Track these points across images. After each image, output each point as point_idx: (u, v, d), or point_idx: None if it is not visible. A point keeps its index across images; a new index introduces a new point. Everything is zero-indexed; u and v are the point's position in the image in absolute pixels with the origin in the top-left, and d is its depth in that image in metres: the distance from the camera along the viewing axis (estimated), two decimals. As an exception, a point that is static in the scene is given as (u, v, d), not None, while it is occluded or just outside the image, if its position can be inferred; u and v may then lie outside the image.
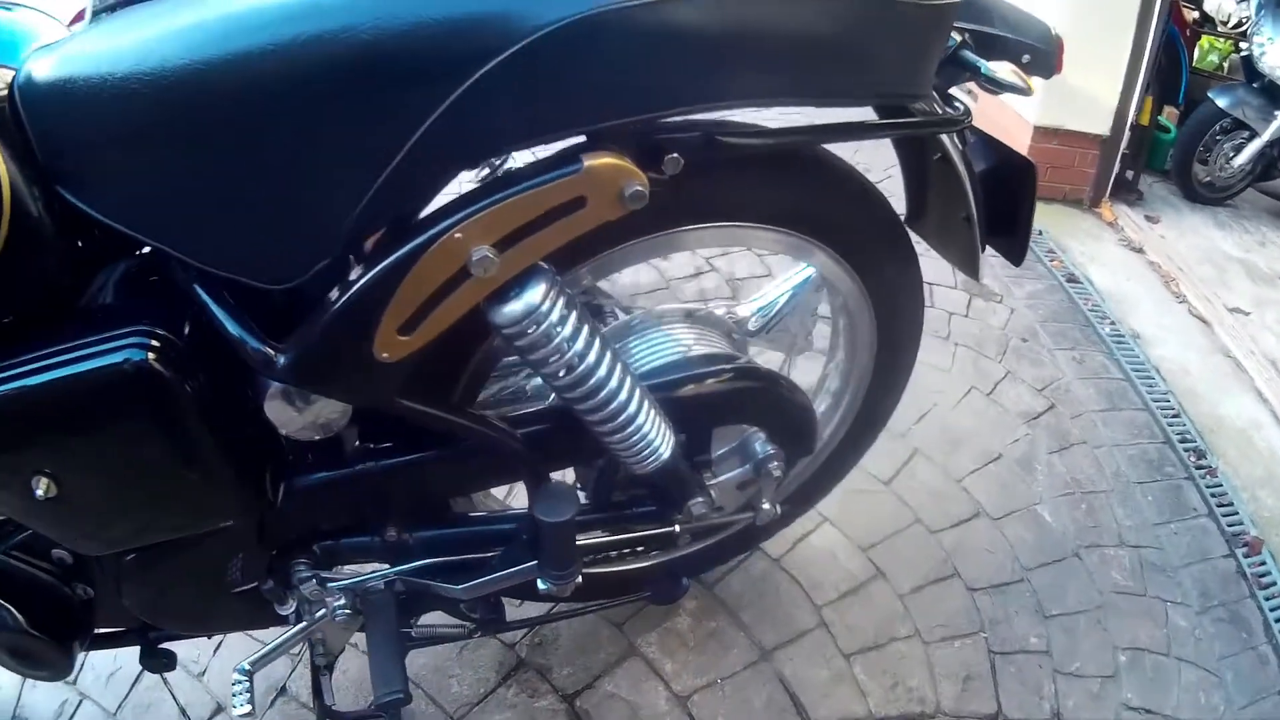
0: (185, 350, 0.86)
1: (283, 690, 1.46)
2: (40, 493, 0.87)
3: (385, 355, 0.88)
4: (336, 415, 0.99)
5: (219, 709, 1.46)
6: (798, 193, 1.12)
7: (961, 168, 1.16)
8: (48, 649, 1.06)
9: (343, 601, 1.16)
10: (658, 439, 1.07)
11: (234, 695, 1.14)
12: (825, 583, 1.62)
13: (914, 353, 1.40)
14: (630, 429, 1.04)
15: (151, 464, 0.91)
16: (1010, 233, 1.22)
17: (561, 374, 0.98)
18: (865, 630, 1.58)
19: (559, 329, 0.94)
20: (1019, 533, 1.79)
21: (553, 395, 1.14)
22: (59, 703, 1.53)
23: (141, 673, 1.50)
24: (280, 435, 0.98)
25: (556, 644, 1.49)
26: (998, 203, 1.19)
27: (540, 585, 1.15)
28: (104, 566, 1.05)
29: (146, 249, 0.91)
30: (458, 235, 0.84)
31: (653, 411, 1.06)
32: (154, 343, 0.84)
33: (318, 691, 1.27)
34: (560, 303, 0.94)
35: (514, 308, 0.90)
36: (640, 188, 0.85)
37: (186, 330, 0.88)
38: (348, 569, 1.16)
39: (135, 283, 0.92)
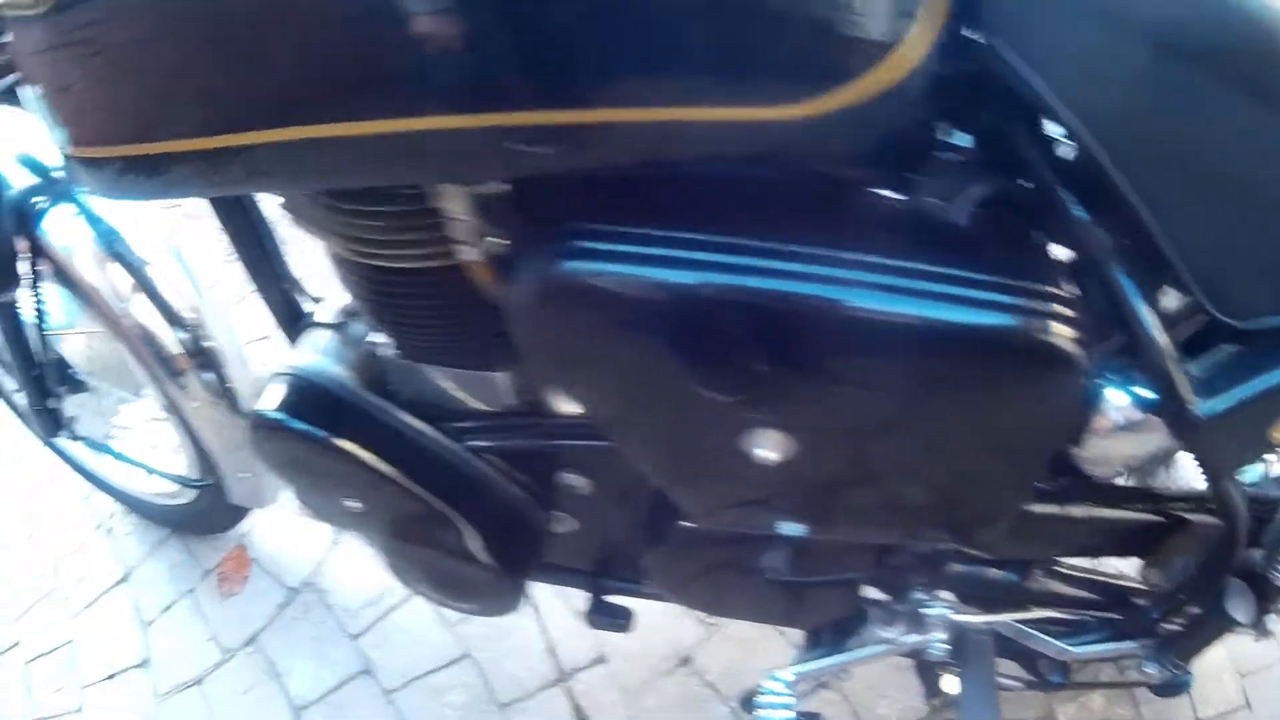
0: (1086, 341, 0.61)
1: (685, 661, 1.20)
2: (761, 452, 0.64)
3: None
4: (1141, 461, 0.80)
5: (599, 659, 1.19)
6: None
7: None
8: (498, 583, 0.86)
9: (944, 635, 0.94)
10: None
11: (760, 706, 0.89)
12: (1206, 699, 1.48)
13: None
14: None
15: (962, 452, 0.69)
16: None
17: None
18: (1224, 759, 1.46)
19: None
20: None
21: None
22: (379, 590, 1.23)
23: (507, 585, 1.21)
24: None
25: (990, 692, 1.29)
26: None
27: (1144, 666, 1.01)
28: (630, 513, 0.84)
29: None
30: None
31: None
32: (1058, 316, 0.58)
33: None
34: None
35: None
36: None
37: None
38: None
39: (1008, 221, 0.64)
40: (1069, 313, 0.58)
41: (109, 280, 1.06)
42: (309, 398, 0.81)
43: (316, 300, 0.91)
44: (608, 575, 1.01)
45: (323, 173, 0.58)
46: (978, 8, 0.51)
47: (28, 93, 0.80)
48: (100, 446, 1.20)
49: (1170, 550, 1.02)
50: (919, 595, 0.92)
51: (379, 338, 0.82)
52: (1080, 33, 0.53)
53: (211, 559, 1.29)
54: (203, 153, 0.55)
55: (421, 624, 1.20)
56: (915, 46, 0.47)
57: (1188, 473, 1.10)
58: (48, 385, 1.13)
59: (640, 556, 0.90)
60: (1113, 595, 1.06)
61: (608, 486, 0.86)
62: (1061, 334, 0.57)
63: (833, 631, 1.03)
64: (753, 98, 0.48)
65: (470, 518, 0.83)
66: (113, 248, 1.06)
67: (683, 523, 0.83)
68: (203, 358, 1.07)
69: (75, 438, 1.16)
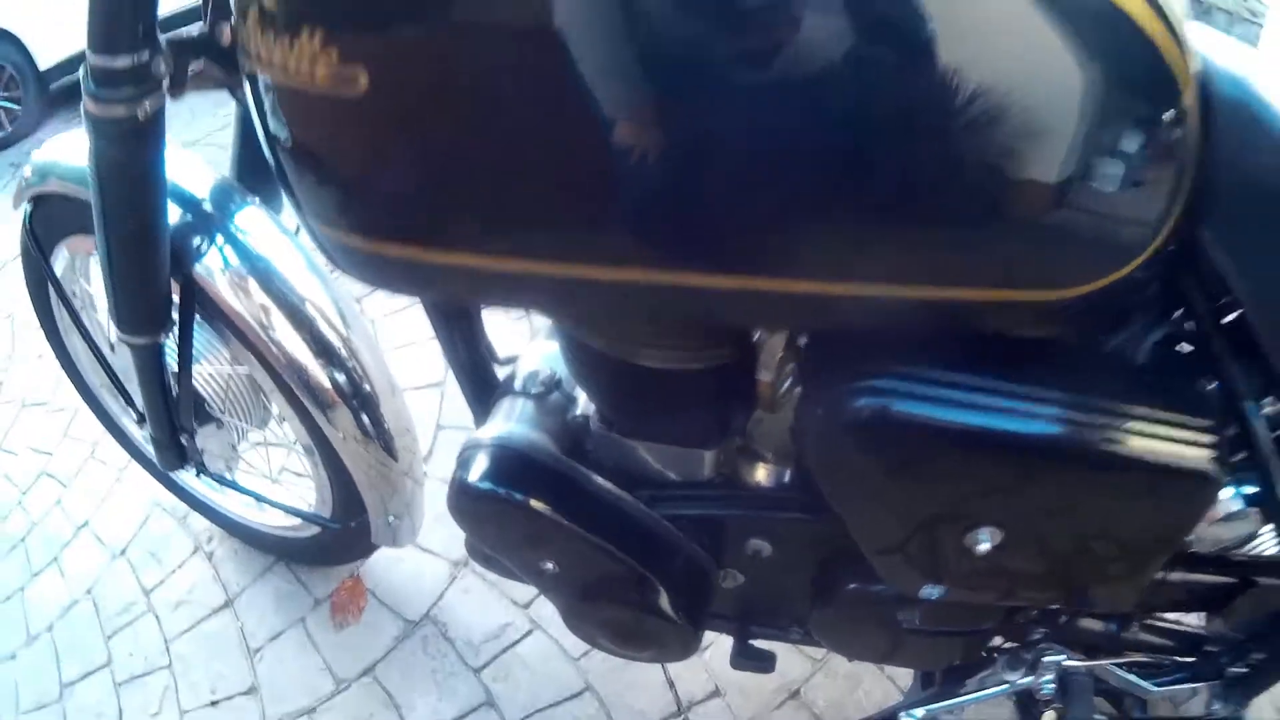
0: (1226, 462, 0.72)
1: (794, 695, 1.26)
2: (982, 545, 0.73)
3: None
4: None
5: (715, 693, 1.24)
6: None
7: None
8: (681, 635, 0.92)
9: (1050, 677, 1.04)
10: None
11: None
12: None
13: None
14: None
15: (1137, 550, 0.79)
16: None
17: None
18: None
19: None
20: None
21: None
22: (500, 624, 1.26)
23: (630, 622, 1.25)
24: None
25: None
26: None
27: (1211, 704, 1.10)
28: (804, 573, 0.91)
29: None
30: None
31: None
32: (1209, 445, 0.69)
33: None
34: None
35: None
36: None
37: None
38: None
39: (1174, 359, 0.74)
40: (1216, 440, 0.69)
41: (260, 313, 1.05)
42: (521, 468, 0.84)
43: (504, 362, 0.93)
44: (756, 622, 1.07)
45: (635, 312, 0.63)
46: (1201, 196, 0.58)
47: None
48: (227, 482, 1.19)
49: (1240, 607, 1.15)
50: (1041, 643, 1.02)
51: (587, 411, 0.86)
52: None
53: (322, 588, 1.29)
54: (494, 274, 0.57)
55: (544, 658, 1.23)
56: (1166, 234, 0.56)
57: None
58: (180, 420, 1.11)
59: (803, 610, 0.97)
60: (1190, 643, 1.19)
61: (789, 551, 0.92)
62: (1211, 459, 0.68)
63: (944, 673, 1.12)
64: (1038, 283, 0.56)
65: (662, 578, 0.88)
66: (268, 282, 1.05)
67: (853, 585, 0.91)
68: (358, 399, 1.07)
69: (202, 473, 1.15)
